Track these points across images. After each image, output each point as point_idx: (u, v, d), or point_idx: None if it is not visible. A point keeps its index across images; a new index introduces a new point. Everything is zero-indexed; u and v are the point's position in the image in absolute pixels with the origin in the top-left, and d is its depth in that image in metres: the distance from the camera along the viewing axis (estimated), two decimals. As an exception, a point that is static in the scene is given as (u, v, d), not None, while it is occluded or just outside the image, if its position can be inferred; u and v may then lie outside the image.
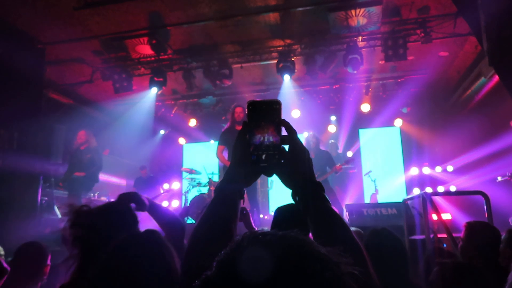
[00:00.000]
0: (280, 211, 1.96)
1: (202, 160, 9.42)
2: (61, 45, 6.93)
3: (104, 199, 8.83)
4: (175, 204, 9.73)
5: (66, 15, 6.06)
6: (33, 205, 6.18)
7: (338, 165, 6.04)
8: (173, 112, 9.88)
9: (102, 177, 9.16)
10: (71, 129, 8.06)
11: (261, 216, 8.15)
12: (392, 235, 2.03)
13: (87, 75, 7.94)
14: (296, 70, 7.37)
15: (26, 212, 5.96)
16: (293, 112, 9.42)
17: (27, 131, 6.47)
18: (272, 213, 8.72)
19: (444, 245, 3.25)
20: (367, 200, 9.02)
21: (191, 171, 8.78)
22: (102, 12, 6.03)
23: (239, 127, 5.62)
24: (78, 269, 1.48)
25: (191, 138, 10.71)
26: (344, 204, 5.69)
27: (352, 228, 3.42)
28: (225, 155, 5.83)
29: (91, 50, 7.31)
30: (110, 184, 9.29)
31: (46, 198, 7.07)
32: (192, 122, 10.17)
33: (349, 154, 9.54)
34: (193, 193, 8.61)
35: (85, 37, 6.74)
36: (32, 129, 6.58)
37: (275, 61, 7.40)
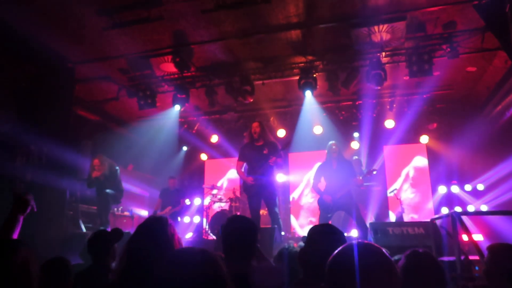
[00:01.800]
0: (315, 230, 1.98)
1: (224, 176, 9.47)
2: (89, 64, 7.12)
3: (127, 213, 8.92)
4: (196, 220, 9.73)
5: (95, 35, 6.23)
6: (59, 219, 6.30)
7: (359, 177, 5.72)
8: (196, 128, 9.93)
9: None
10: (98, 144, 8.28)
11: (282, 233, 8.16)
12: (433, 258, 1.92)
13: (114, 93, 8.13)
14: (318, 86, 7.32)
15: (53, 226, 6.09)
16: (315, 128, 9.38)
17: (56, 147, 6.64)
18: (294, 231, 8.49)
19: (476, 267, 3.08)
20: (392, 219, 8.80)
21: (213, 187, 8.79)
22: (129, 32, 6.17)
23: (257, 143, 5.64)
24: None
25: (212, 154, 10.75)
26: (368, 222, 5.51)
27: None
28: (245, 170, 5.80)
29: (117, 68, 7.48)
30: (132, 195, 9.35)
31: (71, 212, 7.21)
32: (214, 138, 10.20)
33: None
34: (214, 209, 8.63)
35: (112, 56, 6.91)
36: (61, 144, 6.76)
37: (297, 77, 7.38)
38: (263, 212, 7.57)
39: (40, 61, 6.55)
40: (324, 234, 1.96)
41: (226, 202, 8.62)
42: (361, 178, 5.69)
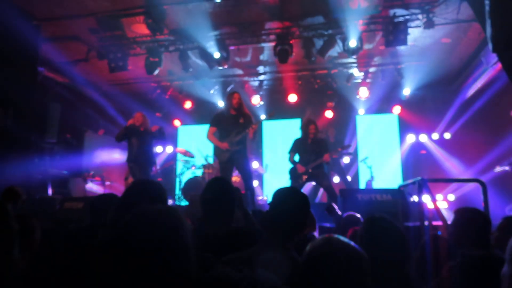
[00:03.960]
0: (279, 193, 2.02)
1: (197, 143, 9.38)
2: (56, 22, 6.75)
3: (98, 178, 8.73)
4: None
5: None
6: (26, 184, 6.10)
7: (326, 154, 5.96)
8: (169, 93, 9.77)
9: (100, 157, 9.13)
10: (67, 108, 7.95)
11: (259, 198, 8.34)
12: (391, 224, 1.90)
13: (83, 54, 7.76)
14: (293, 54, 7.20)
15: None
16: (290, 96, 9.34)
17: (22, 108, 6.33)
18: (266, 197, 8.66)
19: (439, 232, 3.18)
20: (362, 186, 8.98)
21: (185, 153, 8.72)
22: (98, -12, 5.84)
23: (233, 112, 5.57)
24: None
25: (186, 121, 10.61)
26: (339, 189, 5.63)
27: (350, 213, 3.35)
28: (217, 138, 5.74)
29: (87, 28, 7.11)
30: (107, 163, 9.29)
31: (39, 176, 6.98)
32: (188, 104, 10.10)
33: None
34: (187, 175, 8.58)
35: (81, 14, 6.55)
36: (27, 106, 6.44)
37: (273, 44, 7.23)
38: (235, 179, 7.62)
39: (1, 16, 6.10)
40: (288, 196, 1.98)
41: (199, 168, 8.59)
42: (327, 154, 5.98)
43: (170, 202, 8.03)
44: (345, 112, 9.85)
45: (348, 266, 1.33)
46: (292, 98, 9.31)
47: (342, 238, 1.42)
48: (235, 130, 5.52)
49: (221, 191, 2.32)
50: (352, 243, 1.41)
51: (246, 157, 5.64)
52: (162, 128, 6.41)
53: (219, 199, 2.28)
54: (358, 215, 3.32)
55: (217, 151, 5.73)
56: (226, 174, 5.57)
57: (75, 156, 8.33)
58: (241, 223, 2.55)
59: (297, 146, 6.23)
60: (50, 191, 6.83)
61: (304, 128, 6.26)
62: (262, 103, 9.76)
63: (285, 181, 6.45)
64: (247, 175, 5.57)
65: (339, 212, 3.85)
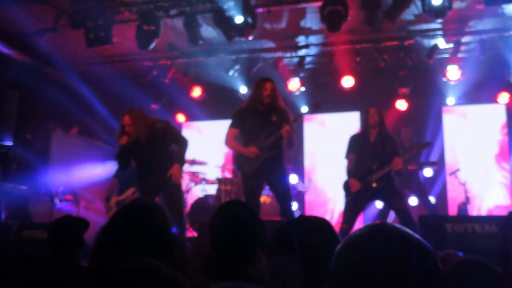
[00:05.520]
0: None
1: (210, 147, 9.45)
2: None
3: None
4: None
5: None
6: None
7: (397, 159, 5.75)
8: (169, 76, 9.74)
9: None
10: (27, 97, 8.14)
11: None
12: (494, 275, 1.92)
13: (50, 21, 7.88)
14: (349, 18, 7.07)
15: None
16: (344, 80, 9.26)
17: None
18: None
19: None
20: (453, 211, 8.84)
21: (193, 162, 8.81)
22: None
23: (263, 108, 5.65)
24: None
25: (193, 115, 10.68)
26: (418, 215, 5.54)
27: (448, 251, 3.23)
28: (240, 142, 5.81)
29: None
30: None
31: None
32: (196, 92, 10.04)
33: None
34: (196, 194, 8.68)
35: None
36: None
37: (319, 3, 7.15)
38: (265, 199, 7.69)
39: None
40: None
41: (212, 183, 8.63)
42: (398, 159, 5.79)
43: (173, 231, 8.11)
44: (426, 103, 9.72)
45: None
46: (347, 82, 9.16)
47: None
48: (266, 132, 5.56)
49: (236, 222, 2.29)
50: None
51: (283, 168, 5.66)
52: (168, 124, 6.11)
53: (234, 235, 2.26)
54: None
55: (239, 161, 5.77)
56: (251, 194, 5.60)
57: (38, 165, 8.38)
58: (266, 272, 2.48)
59: (355, 147, 6.21)
60: (2, 215, 6.89)
61: (363, 120, 6.26)
62: (303, 89, 9.73)
63: (340, 201, 6.49)
64: (284, 194, 5.57)
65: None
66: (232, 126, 5.80)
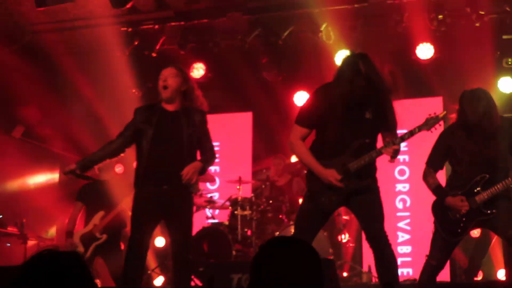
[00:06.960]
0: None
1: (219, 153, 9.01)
2: None
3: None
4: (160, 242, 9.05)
5: None
6: None
7: None
8: (157, 48, 9.01)
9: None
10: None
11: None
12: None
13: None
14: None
15: None
16: (418, 48, 8.41)
17: None
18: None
19: None
20: None
21: (199, 175, 7.69)
22: None
23: (358, 94, 4.65)
24: None
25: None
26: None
27: None
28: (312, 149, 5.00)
29: None
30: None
31: None
32: (198, 71, 9.31)
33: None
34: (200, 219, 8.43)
35: None
36: None
37: None
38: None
39: None
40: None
41: (222, 207, 8.33)
42: None
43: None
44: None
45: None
46: (424, 51, 8.39)
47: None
48: (357, 141, 4.67)
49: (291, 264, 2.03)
50: None
51: (376, 194, 4.87)
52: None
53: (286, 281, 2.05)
54: None
55: (309, 174, 5.01)
56: (313, 222, 4.91)
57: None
58: None
59: (447, 149, 5.36)
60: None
61: (459, 108, 5.22)
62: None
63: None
64: (375, 224, 4.85)
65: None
66: (299, 122, 4.95)
